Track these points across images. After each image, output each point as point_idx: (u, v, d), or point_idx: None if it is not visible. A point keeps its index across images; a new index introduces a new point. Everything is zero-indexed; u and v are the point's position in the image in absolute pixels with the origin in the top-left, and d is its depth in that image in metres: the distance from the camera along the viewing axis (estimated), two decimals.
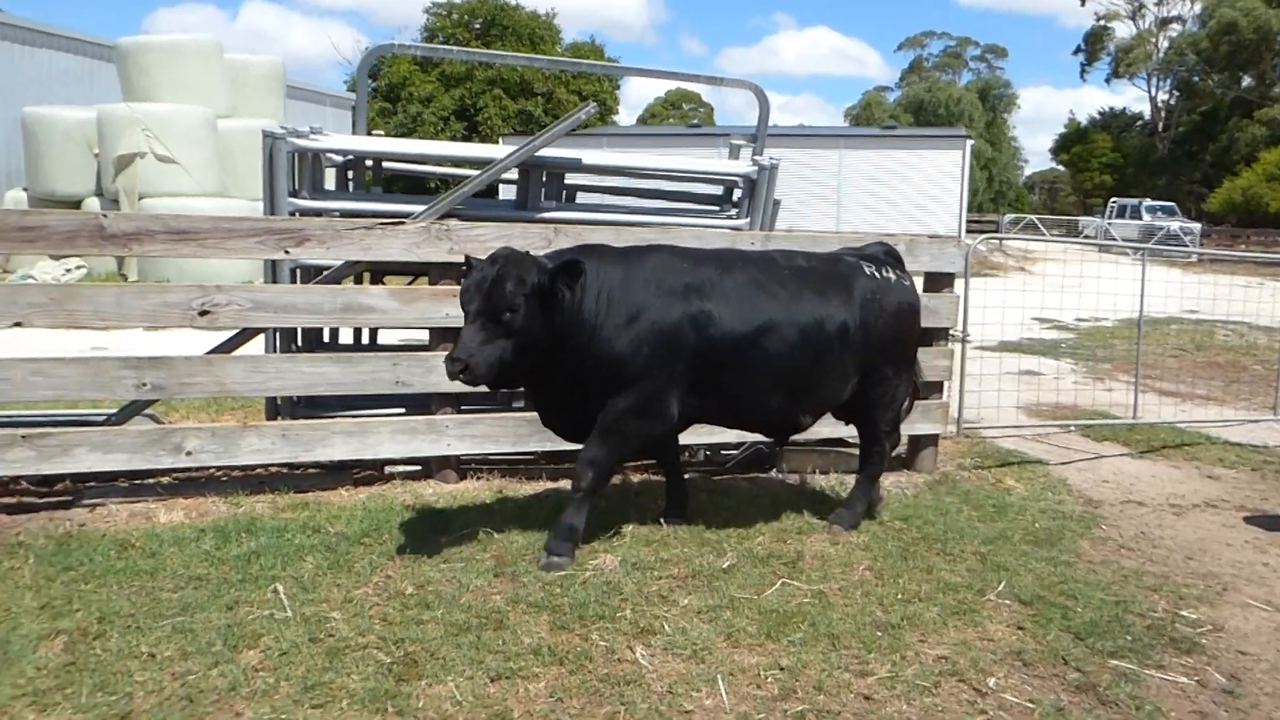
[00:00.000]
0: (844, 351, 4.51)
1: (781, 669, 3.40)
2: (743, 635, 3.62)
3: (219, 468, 5.02)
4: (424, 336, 5.42)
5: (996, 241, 31.32)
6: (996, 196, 64.11)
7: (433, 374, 5.05)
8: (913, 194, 34.30)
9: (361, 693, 3.09)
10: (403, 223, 4.97)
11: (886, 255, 4.97)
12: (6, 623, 3.48)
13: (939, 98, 65.65)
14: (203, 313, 4.67)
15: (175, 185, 13.18)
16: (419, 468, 5.36)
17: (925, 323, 5.92)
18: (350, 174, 5.82)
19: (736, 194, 6.06)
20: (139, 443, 4.67)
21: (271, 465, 5.09)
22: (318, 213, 5.16)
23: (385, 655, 3.32)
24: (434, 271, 5.15)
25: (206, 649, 3.32)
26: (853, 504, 4.90)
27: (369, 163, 5.79)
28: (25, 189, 14.45)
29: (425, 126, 38.22)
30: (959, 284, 6.21)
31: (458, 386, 5.14)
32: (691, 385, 4.23)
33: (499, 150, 5.33)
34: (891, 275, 4.77)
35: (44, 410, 5.12)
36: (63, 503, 4.75)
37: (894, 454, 5.39)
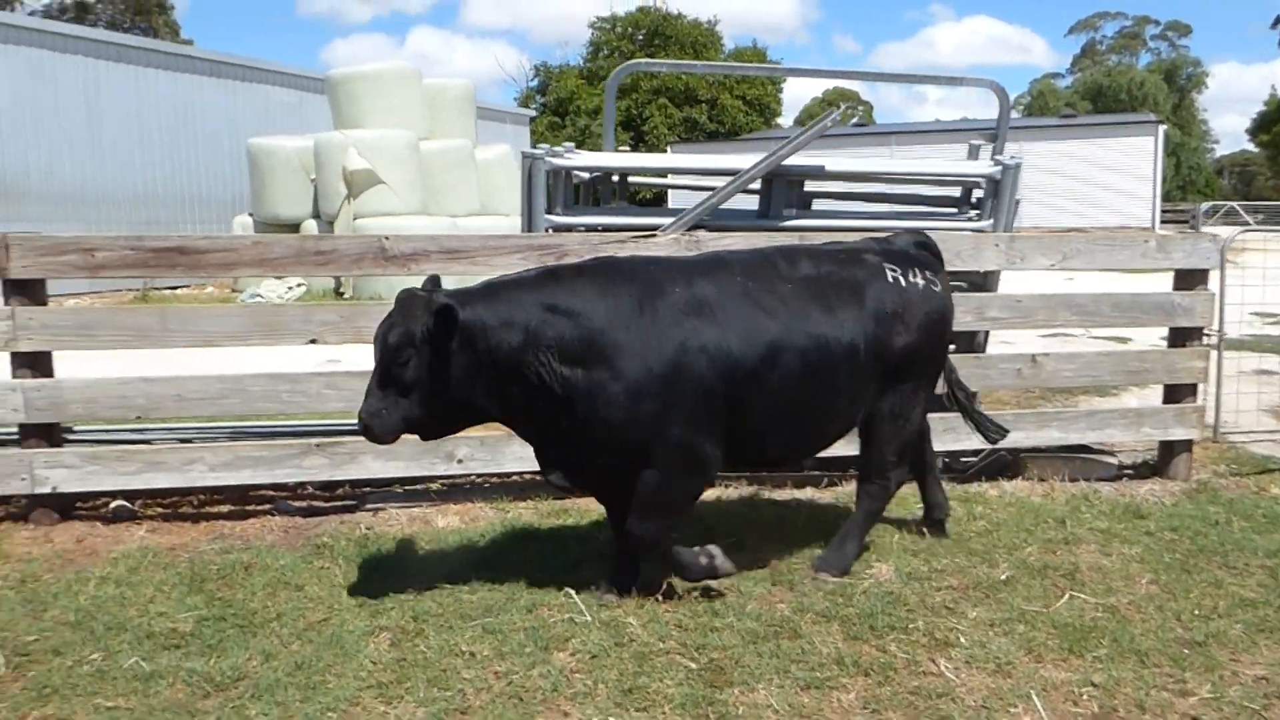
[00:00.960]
0: (856, 371, 3.89)
1: (1095, 685, 3.28)
2: (1044, 649, 3.52)
3: (485, 475, 5.25)
4: None
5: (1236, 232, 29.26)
6: (1185, 184, 60.04)
7: None
8: (1097, 185, 32.54)
9: (678, 698, 3.16)
10: (654, 235, 5.08)
11: (919, 250, 4.26)
12: (334, 619, 3.74)
13: (1119, 82, 62.13)
14: None
15: (383, 205, 13.96)
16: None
17: (1179, 322, 5.61)
18: (597, 189, 5.98)
19: (975, 195, 5.89)
20: (416, 451, 4.95)
21: (529, 473, 5.28)
22: (569, 228, 5.34)
23: (691, 661, 3.39)
24: None
25: (519, 650, 3.48)
26: (842, 545, 4.16)
27: (615, 178, 5.94)
28: (251, 214, 15.62)
29: (593, 138, 39.02)
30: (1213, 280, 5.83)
31: None
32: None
33: (744, 161, 5.38)
34: (920, 280, 4.05)
35: (333, 420, 5.50)
36: (348, 507, 5.08)
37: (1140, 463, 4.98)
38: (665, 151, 39.68)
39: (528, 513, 4.96)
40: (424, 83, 15.71)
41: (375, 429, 3.59)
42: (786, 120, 59.13)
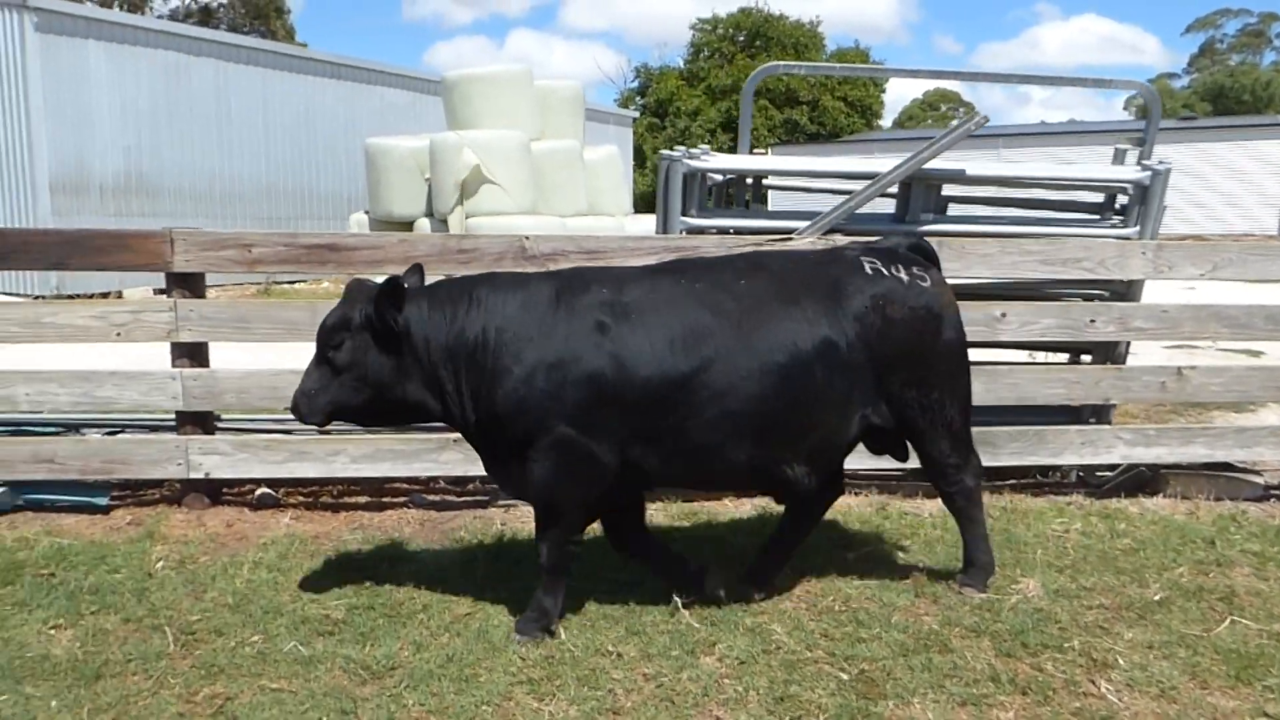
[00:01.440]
0: (834, 377, 3.56)
1: (1268, 717, 3.14)
2: (1210, 676, 3.37)
3: None
4: None
5: None
6: None
7: None
8: (1223, 191, 31.12)
9: (832, 708, 3.12)
10: (790, 237, 5.04)
11: (910, 250, 3.94)
12: (479, 613, 3.80)
13: (1242, 82, 59.24)
14: None
15: (496, 205, 14.17)
16: None
17: None
18: (730, 192, 5.95)
19: (1120, 200, 5.68)
20: None
21: None
22: (702, 230, 5.33)
23: (841, 672, 3.35)
24: None
25: (665, 652, 3.48)
26: (974, 561, 4.00)
27: (749, 180, 5.90)
28: (366, 212, 16.05)
29: (692, 140, 39.05)
30: None
31: None
32: (629, 437, 3.50)
33: (883, 164, 5.29)
34: (903, 274, 3.70)
35: None
36: (479, 503, 5.17)
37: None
38: (765, 153, 39.46)
39: (658, 514, 4.97)
40: (535, 84, 15.89)
41: (301, 409, 3.61)
42: (885, 122, 58.22)
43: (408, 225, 14.98)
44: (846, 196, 5.22)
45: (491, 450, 3.68)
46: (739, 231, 5.26)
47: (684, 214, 5.24)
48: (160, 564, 4.26)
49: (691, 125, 40.23)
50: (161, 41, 16.62)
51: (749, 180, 5.95)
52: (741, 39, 43.36)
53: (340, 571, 4.18)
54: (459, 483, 5.41)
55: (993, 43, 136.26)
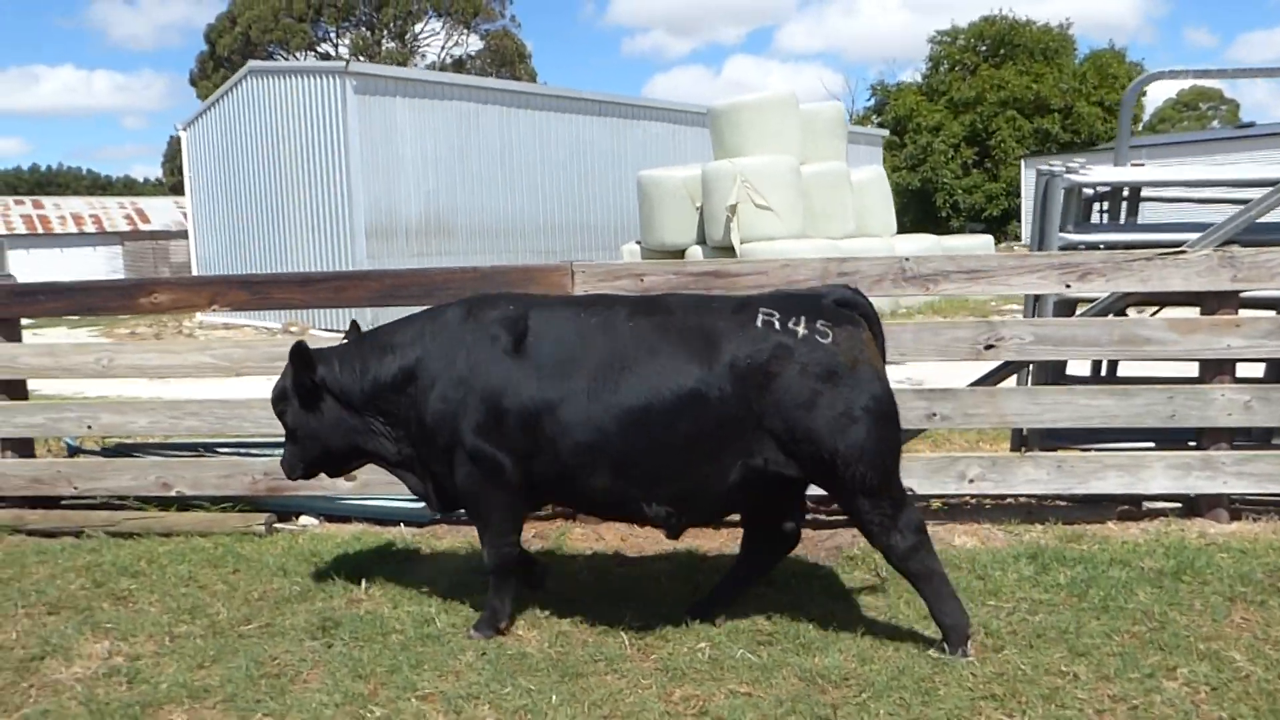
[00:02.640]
0: (700, 425, 3.54)
1: None
2: None
3: (994, 496, 5.21)
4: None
5: None
6: None
7: (1209, 408, 4.84)
8: None
9: None
10: (1183, 252, 4.82)
11: (837, 302, 3.74)
12: (905, 627, 3.85)
13: None
14: (988, 347, 4.91)
15: (768, 230, 14.38)
16: (1179, 505, 5.15)
17: None
18: (1104, 205, 5.78)
19: None
20: (927, 469, 5.02)
21: (1044, 496, 5.18)
22: (1080, 246, 5.19)
23: None
24: (1210, 301, 4.92)
25: (1121, 674, 3.39)
26: (936, 616, 3.65)
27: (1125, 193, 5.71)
28: (638, 242, 16.71)
29: (936, 156, 38.02)
30: None
31: (1234, 420, 4.91)
32: (521, 452, 3.72)
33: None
34: (801, 328, 3.56)
35: None
36: (845, 522, 5.23)
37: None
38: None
39: (1044, 537, 4.86)
40: (801, 108, 16.07)
41: (285, 471, 4.23)
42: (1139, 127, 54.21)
43: (679, 253, 15.46)
44: (1242, 206, 4.93)
45: (426, 469, 4.01)
46: (1127, 246, 5.08)
47: (1062, 230, 5.13)
48: (583, 573, 4.60)
49: (934, 141, 39.12)
50: (455, 94, 18.09)
51: (1124, 193, 5.71)
52: (984, 48, 41.79)
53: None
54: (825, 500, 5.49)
55: (1254, 32, 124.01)
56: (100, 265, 41.04)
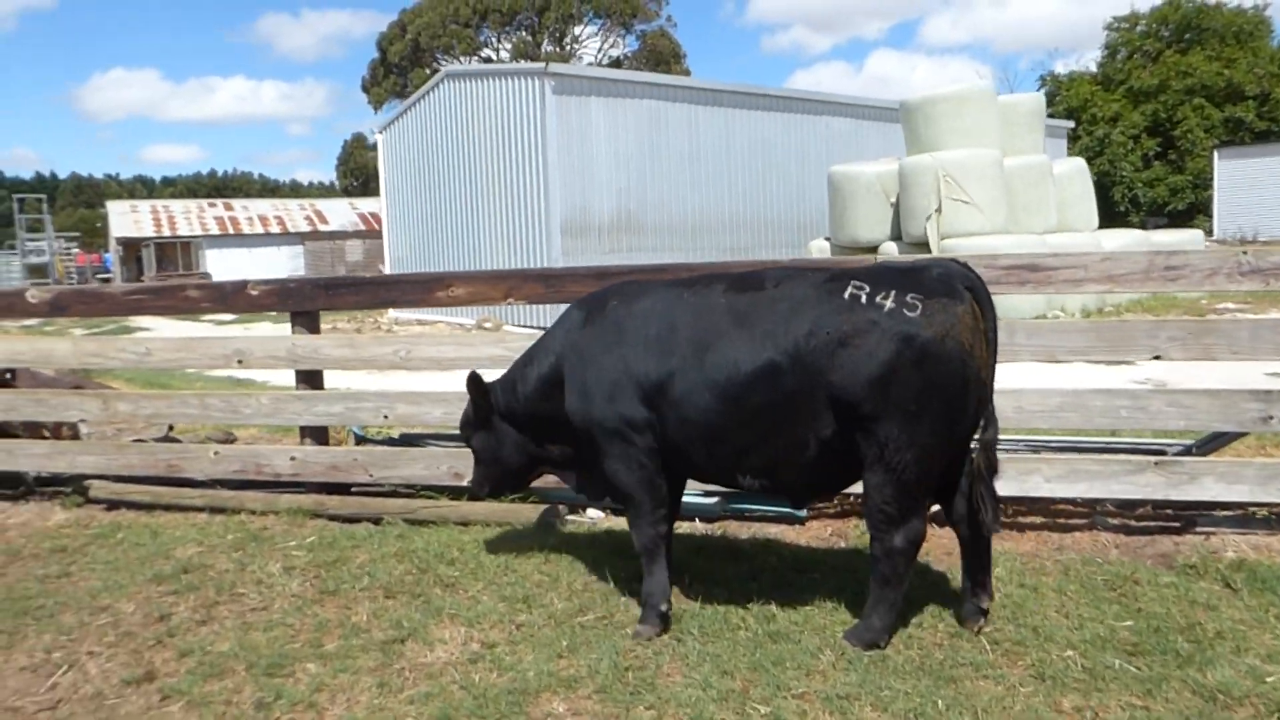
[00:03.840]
0: (775, 399, 3.56)
1: None
2: None
3: None
4: None
5: None
6: None
7: None
8: None
9: None
10: None
11: (933, 274, 3.55)
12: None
13: None
14: None
15: (968, 225, 13.92)
16: None
17: None
18: None
19: None
20: (1263, 475, 4.68)
21: None
22: None
23: None
24: None
25: None
26: (867, 617, 3.70)
27: None
28: (828, 238, 16.47)
29: (1114, 147, 36.11)
30: None
31: None
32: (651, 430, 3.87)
33: None
34: (889, 302, 3.43)
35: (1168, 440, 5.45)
36: (1171, 529, 4.95)
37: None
38: (1205, 157, 35.45)
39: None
40: (999, 100, 15.49)
41: (473, 490, 4.76)
42: None
43: (872, 250, 15.12)
44: None
45: (581, 464, 4.30)
46: None
47: None
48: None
49: (1111, 132, 37.13)
50: (645, 92, 18.28)
51: None
52: (1167, 34, 39.39)
53: (1094, 592, 4.16)
54: (1161, 506, 5.19)
55: None
56: (284, 263, 43.51)
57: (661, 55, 50.90)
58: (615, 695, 3.46)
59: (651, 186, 18.19)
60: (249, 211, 46.73)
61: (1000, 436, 5.31)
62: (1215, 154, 34.88)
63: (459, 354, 5.61)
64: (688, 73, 52.34)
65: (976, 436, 3.75)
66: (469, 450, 5.82)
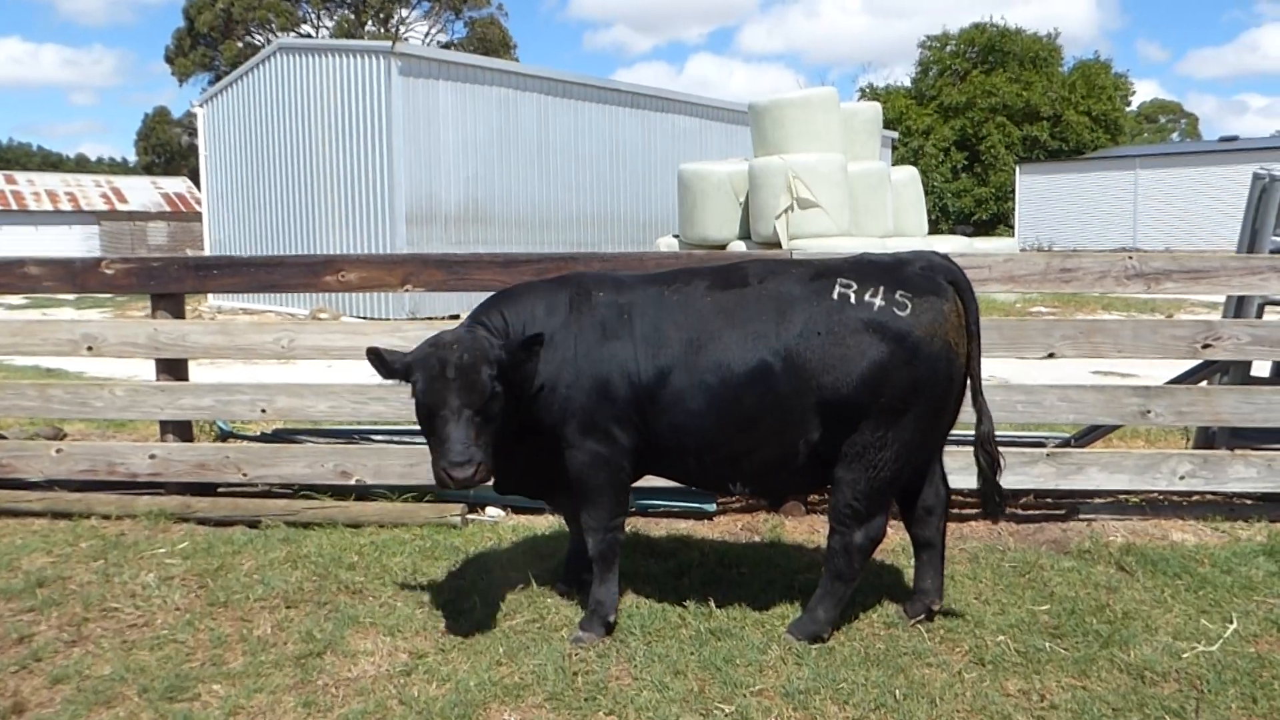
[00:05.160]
0: (767, 399, 3.47)
1: None
2: None
3: (1204, 493, 5.22)
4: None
5: None
6: None
7: None
8: None
9: None
10: None
11: (916, 270, 3.60)
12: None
13: None
14: (1205, 345, 4.91)
15: (815, 227, 14.34)
16: None
17: None
18: None
19: None
20: (1141, 465, 5.01)
21: (1250, 494, 5.19)
22: None
23: None
24: None
25: None
26: (812, 609, 3.72)
27: None
28: (676, 235, 16.59)
29: (926, 159, 38.35)
30: None
31: None
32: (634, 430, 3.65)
33: None
34: (879, 300, 3.47)
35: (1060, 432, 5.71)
36: (1057, 516, 5.22)
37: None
38: (1007, 171, 38.21)
39: (1256, 533, 4.89)
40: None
41: (486, 465, 3.52)
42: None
43: (720, 248, 15.34)
44: None
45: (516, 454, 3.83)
46: None
47: (1274, 232, 5.15)
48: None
49: (925, 144, 39.45)
50: (496, 79, 17.81)
51: None
52: (974, 55, 42.24)
53: (1000, 577, 4.32)
54: (1043, 495, 5.41)
55: (1205, 48, 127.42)
56: (76, 244, 40.00)
57: (491, 44, 50.11)
58: (569, 702, 3.29)
59: (500, 177, 17.80)
60: (35, 186, 42.60)
61: None
62: (1017, 169, 37.72)
63: (349, 343, 5.24)
64: (518, 63, 51.79)
65: (972, 432, 3.77)
66: (355, 447, 5.49)
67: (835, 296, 3.50)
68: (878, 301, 3.47)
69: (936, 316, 3.50)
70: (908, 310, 3.47)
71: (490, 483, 3.71)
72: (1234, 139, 38.93)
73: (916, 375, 3.47)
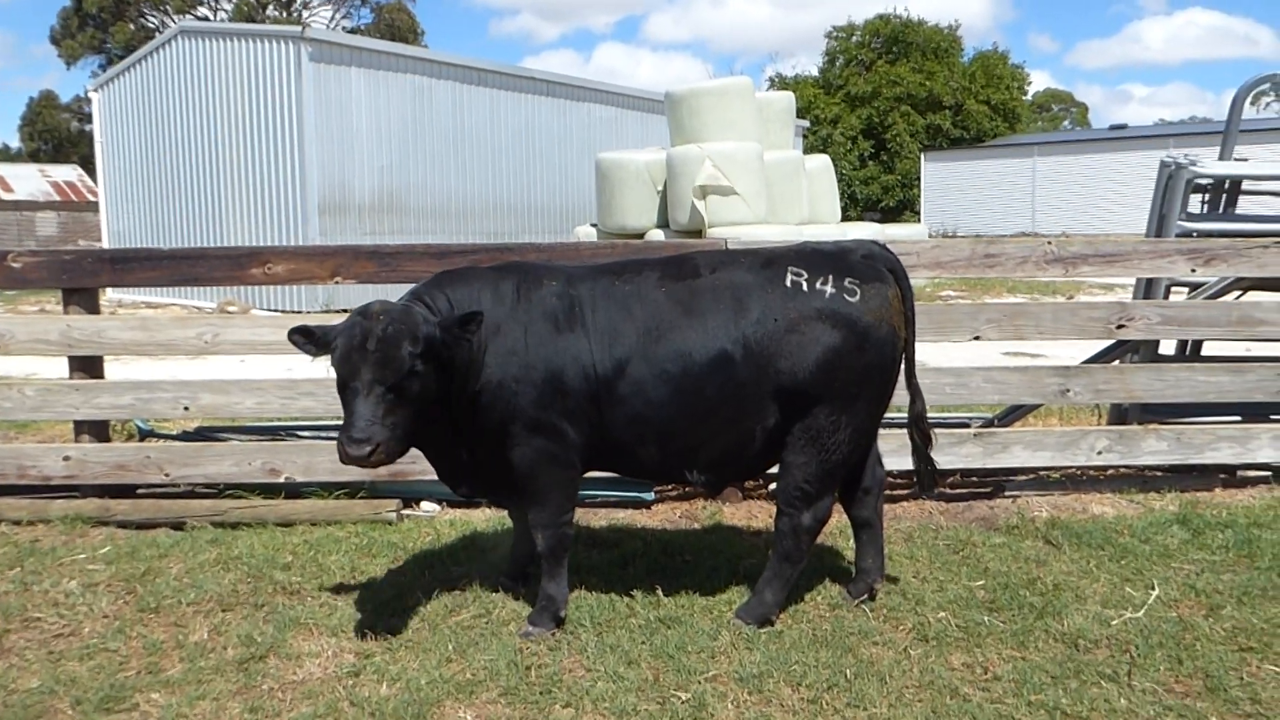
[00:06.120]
0: (728, 388, 3.51)
1: None
2: None
3: (1120, 466, 5.45)
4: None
5: None
6: None
7: None
8: None
9: None
10: None
11: (859, 257, 3.70)
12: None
13: None
14: (1119, 326, 5.13)
15: (733, 214, 14.49)
16: (1270, 473, 5.51)
17: None
18: (1206, 197, 6.06)
19: None
20: (1062, 442, 5.21)
21: (1161, 466, 5.44)
22: (1189, 233, 5.47)
23: None
24: None
25: None
26: (760, 592, 3.77)
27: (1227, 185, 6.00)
28: (594, 225, 16.55)
29: (835, 147, 39.03)
30: None
31: None
32: (587, 425, 3.60)
33: None
34: (829, 287, 3.53)
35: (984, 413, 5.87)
36: (984, 494, 5.39)
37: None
38: (912, 159, 39.16)
39: (1172, 505, 5.14)
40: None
41: (386, 446, 3.31)
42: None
43: (638, 236, 15.38)
44: None
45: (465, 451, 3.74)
46: (1242, 234, 5.39)
47: (1179, 217, 5.39)
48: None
49: (833, 133, 40.15)
50: (410, 66, 17.45)
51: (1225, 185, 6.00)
52: (878, 45, 43.13)
53: (935, 555, 4.44)
54: (969, 474, 5.56)
55: (1092, 40, 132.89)
56: None
57: (400, 30, 49.13)
58: (525, 696, 3.27)
59: (415, 166, 17.48)
60: None
61: None
62: (922, 156, 38.76)
63: (277, 337, 5.06)
64: (430, 49, 50.91)
65: (901, 414, 3.86)
66: (284, 444, 5.35)
67: (789, 284, 3.55)
68: (829, 289, 3.54)
69: (883, 302, 3.59)
70: (857, 297, 3.55)
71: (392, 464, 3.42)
72: (1123, 127, 40.65)
73: (867, 360, 3.55)
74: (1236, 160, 5.78)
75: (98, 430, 5.32)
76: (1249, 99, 5.85)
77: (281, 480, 5.18)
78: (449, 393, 3.50)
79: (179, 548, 4.69)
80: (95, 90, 20.91)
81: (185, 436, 5.72)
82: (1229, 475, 5.55)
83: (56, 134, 58.53)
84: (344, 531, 4.88)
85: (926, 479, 3.99)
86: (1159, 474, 5.55)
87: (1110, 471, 5.53)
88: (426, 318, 3.38)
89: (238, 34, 17.33)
